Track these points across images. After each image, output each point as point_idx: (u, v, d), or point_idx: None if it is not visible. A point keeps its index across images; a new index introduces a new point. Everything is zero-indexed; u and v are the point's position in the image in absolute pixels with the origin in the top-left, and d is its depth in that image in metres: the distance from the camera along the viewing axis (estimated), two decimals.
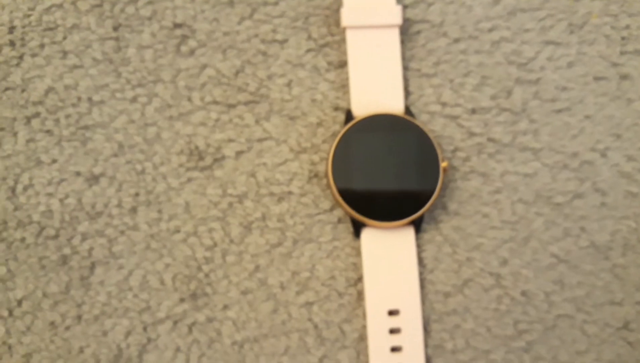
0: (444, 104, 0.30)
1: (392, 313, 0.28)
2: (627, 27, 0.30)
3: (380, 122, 0.28)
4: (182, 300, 0.28)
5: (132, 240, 0.29)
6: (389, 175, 0.28)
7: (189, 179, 0.29)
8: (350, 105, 0.29)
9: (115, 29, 0.29)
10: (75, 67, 0.29)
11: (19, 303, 0.29)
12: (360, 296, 0.29)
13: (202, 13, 0.30)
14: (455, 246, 0.29)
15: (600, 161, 0.30)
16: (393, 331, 0.28)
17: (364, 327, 0.29)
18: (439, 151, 0.28)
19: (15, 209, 0.29)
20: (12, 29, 0.29)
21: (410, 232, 0.28)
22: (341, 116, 0.30)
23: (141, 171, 0.29)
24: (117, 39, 0.29)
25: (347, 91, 0.30)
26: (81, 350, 0.28)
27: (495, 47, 0.30)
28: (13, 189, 0.29)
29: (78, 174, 0.29)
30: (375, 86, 0.29)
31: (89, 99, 0.29)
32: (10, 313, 0.29)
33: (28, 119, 0.29)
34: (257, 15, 0.30)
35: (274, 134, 0.29)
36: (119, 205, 0.29)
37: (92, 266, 0.29)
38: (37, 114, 0.29)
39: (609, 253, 0.29)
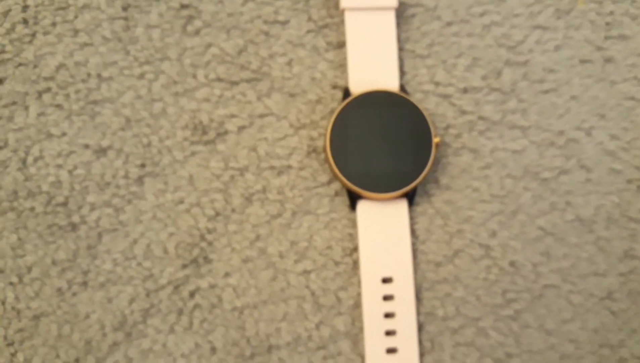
0: (437, 84, 0.31)
1: (385, 280, 0.29)
2: (611, 13, 0.32)
3: (376, 99, 0.30)
4: (184, 267, 0.30)
5: (139, 209, 0.30)
6: (384, 149, 0.29)
7: (193, 153, 0.30)
8: (348, 83, 0.30)
9: (125, 9, 0.31)
10: (85, 45, 0.31)
11: (29, 269, 0.30)
12: (355, 265, 0.30)
13: None
14: (446, 219, 0.30)
15: (585, 139, 0.31)
16: (387, 298, 0.29)
17: (359, 294, 0.30)
18: (432, 127, 0.29)
19: (26, 179, 0.30)
20: (25, 8, 0.31)
21: (403, 204, 0.30)
22: (339, 94, 0.31)
23: (147, 144, 0.30)
24: (126, 18, 0.31)
25: (345, 70, 0.31)
26: (87, 316, 0.29)
27: (486, 30, 0.32)
28: (24, 161, 0.30)
29: (86, 146, 0.30)
30: (372, 65, 0.30)
31: (98, 76, 0.30)
32: (20, 279, 0.30)
33: (39, 94, 0.30)
34: None
35: (274, 111, 0.31)
36: (126, 176, 0.30)
37: (100, 235, 0.30)
38: (48, 89, 0.30)
39: (593, 227, 0.30)
